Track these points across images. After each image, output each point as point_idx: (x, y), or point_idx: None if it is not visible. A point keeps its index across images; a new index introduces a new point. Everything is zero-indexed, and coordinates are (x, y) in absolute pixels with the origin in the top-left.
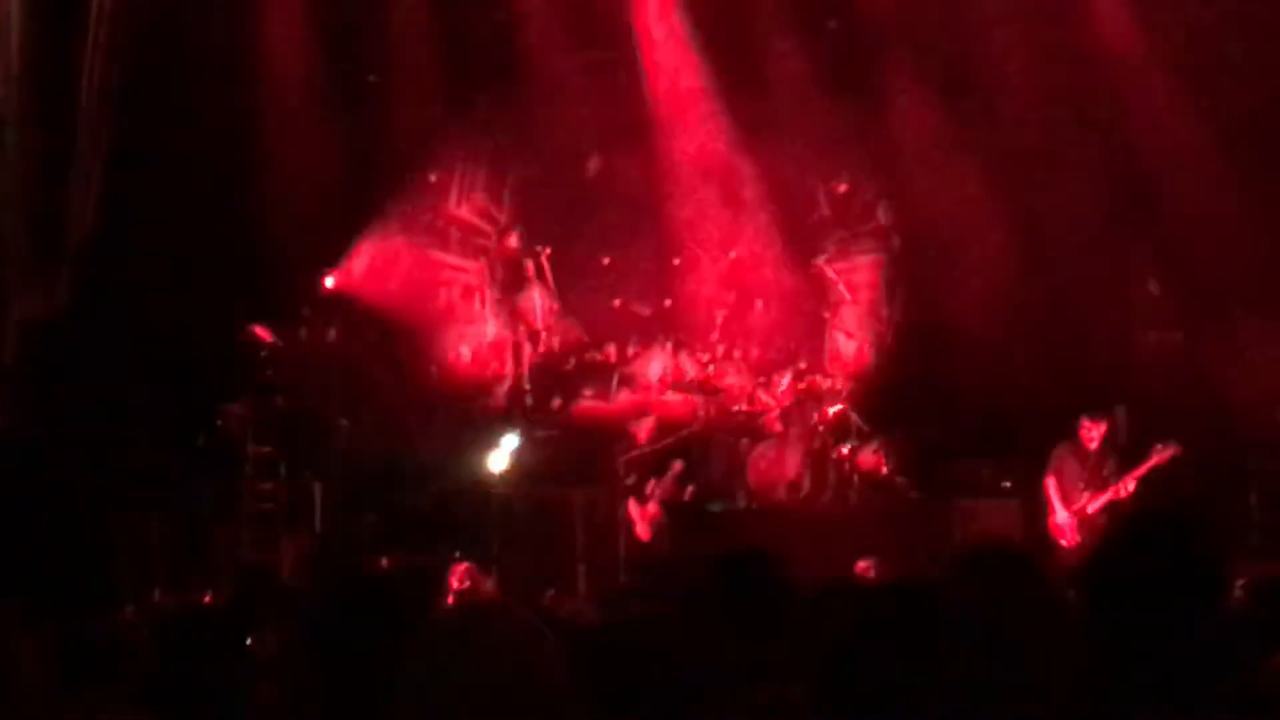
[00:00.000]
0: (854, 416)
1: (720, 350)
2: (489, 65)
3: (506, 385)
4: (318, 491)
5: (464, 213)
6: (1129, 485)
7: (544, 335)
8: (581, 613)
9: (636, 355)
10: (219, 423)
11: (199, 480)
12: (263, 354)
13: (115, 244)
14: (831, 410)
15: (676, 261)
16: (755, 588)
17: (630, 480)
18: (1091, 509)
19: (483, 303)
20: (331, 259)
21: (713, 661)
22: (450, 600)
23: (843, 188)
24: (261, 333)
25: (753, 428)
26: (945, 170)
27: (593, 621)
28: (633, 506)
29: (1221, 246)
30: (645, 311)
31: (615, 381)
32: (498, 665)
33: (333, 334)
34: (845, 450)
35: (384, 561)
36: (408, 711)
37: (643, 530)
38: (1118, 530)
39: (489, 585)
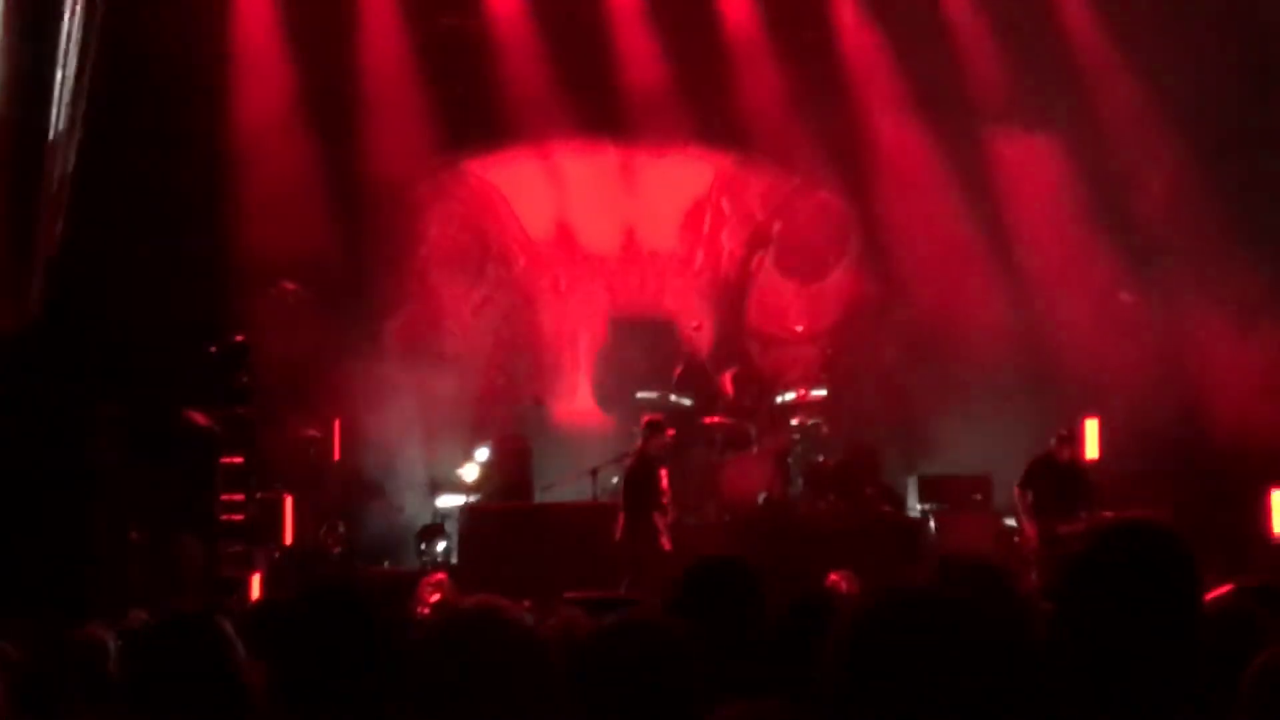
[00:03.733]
0: (826, 429)
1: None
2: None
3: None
4: (288, 503)
5: (450, 235)
6: None
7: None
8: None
9: None
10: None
11: (169, 492)
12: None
13: (85, 256)
14: (806, 423)
15: None
16: (730, 598)
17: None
18: (1063, 531)
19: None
20: (302, 269)
21: (691, 672)
22: (424, 611)
23: (816, 202)
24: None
25: (727, 439)
26: (917, 186)
27: (575, 631)
28: (657, 518)
29: (1195, 256)
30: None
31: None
32: (492, 670)
33: (304, 344)
34: (818, 462)
35: (357, 572)
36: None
37: (667, 540)
38: (1092, 541)
39: (462, 595)
